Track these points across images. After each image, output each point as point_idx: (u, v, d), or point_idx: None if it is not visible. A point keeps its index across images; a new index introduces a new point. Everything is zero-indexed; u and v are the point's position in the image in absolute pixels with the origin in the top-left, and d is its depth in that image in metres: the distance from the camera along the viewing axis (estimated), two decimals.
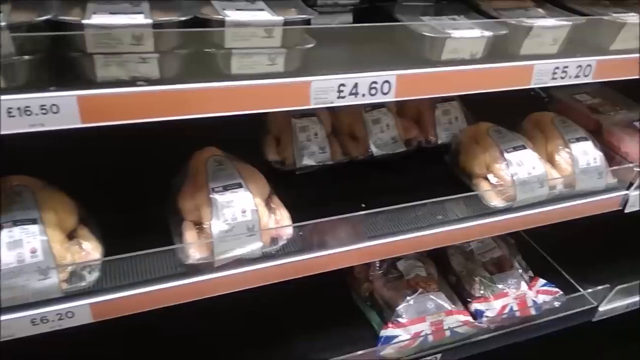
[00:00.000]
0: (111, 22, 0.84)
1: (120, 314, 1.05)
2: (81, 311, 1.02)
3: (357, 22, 1.23)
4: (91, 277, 1.03)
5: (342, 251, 1.21)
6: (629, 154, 1.53)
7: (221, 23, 0.90)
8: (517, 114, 1.64)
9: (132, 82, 0.91)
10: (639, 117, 1.65)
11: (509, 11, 1.27)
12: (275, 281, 1.17)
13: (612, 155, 1.57)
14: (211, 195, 1.10)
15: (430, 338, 1.42)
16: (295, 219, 1.20)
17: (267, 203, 1.20)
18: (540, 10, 1.30)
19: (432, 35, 1.09)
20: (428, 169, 1.54)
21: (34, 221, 1.00)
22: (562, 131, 1.47)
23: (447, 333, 1.43)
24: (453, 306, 1.47)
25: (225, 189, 1.13)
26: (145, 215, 1.22)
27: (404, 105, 1.68)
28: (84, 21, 0.83)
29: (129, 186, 1.31)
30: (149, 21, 0.86)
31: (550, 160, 1.46)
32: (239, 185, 1.14)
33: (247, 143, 1.47)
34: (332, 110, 1.57)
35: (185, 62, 0.96)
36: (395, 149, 1.52)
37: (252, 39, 0.93)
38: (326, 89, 1.03)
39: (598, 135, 1.61)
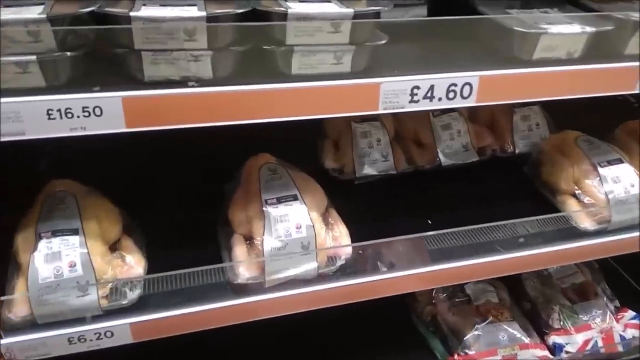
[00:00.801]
0: (161, 15, 0.74)
1: (162, 335, 0.96)
2: (121, 331, 0.94)
3: (432, 15, 1.09)
4: (133, 295, 0.95)
5: (405, 275, 1.07)
6: None
7: (283, 16, 0.78)
8: (604, 121, 1.45)
9: (183, 83, 0.81)
10: None
11: (611, 4, 1.09)
12: (330, 305, 1.05)
13: None
14: (264, 208, 0.99)
15: None
16: (352, 234, 1.08)
17: (325, 217, 1.08)
18: None
19: (523, 30, 0.94)
20: (504, 181, 1.38)
21: (75, 232, 0.92)
22: None
23: None
24: (529, 338, 1.30)
25: (279, 201, 1.01)
26: (194, 225, 1.13)
27: (477, 109, 1.51)
28: (132, 13, 0.74)
29: (178, 192, 1.23)
30: (203, 14, 0.75)
31: None
32: (294, 198, 1.02)
33: (304, 147, 1.36)
34: (395, 113, 1.43)
35: (240, 60, 0.85)
36: (466, 159, 1.37)
37: (317, 34, 0.82)
38: (397, 92, 0.90)
39: None
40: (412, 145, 1.41)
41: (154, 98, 0.78)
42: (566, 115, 1.51)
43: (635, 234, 1.19)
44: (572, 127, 1.38)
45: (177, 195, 1.22)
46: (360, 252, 1.09)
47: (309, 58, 0.84)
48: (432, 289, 1.41)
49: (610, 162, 1.19)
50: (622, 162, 1.20)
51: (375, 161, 1.31)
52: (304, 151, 1.35)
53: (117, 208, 1.03)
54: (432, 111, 1.39)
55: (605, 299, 1.44)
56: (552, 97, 1.00)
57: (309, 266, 1.00)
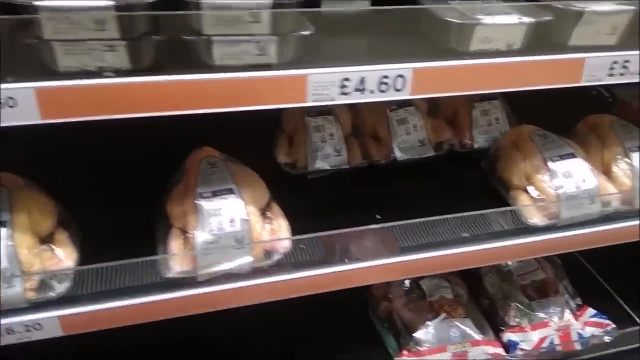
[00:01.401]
0: (67, 4, 0.73)
1: (92, 328, 0.96)
2: (49, 323, 0.93)
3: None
4: (61, 287, 0.94)
5: (346, 270, 1.06)
6: None
7: (197, 5, 0.77)
8: (575, 117, 1.42)
9: (99, 73, 0.80)
10: None
11: None
12: (270, 300, 1.04)
13: None
14: (196, 201, 0.98)
15: None
16: (300, 229, 1.06)
17: (265, 212, 1.07)
18: None
19: (457, 21, 0.92)
20: (461, 176, 1.36)
21: (2, 224, 0.91)
22: (622, 137, 1.24)
23: None
24: (481, 335, 1.29)
25: (215, 194, 1.00)
26: (135, 219, 1.12)
27: (438, 103, 1.49)
28: (37, 3, 0.73)
29: (122, 186, 1.22)
30: (111, 3, 0.74)
31: (607, 171, 1.24)
32: (230, 191, 1.01)
33: (266, 142, 1.35)
34: (354, 108, 1.42)
35: (162, 50, 0.84)
36: (422, 153, 1.35)
37: (236, 24, 0.80)
38: (326, 84, 0.88)
39: None
40: (369, 140, 1.39)
41: (68, 89, 0.77)
42: (534, 110, 1.49)
43: (587, 230, 1.17)
44: (539, 123, 1.35)
45: (121, 189, 1.20)
46: (303, 246, 1.08)
47: (231, 48, 0.82)
48: (389, 285, 1.40)
49: (562, 157, 1.17)
50: (574, 156, 1.18)
51: (327, 155, 1.30)
52: (267, 145, 1.35)
53: (53, 201, 1.02)
54: (389, 106, 1.37)
55: (566, 296, 1.41)
56: (491, 90, 0.98)
57: (243, 260, 0.99)
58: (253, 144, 1.33)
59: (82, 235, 1.03)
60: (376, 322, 1.41)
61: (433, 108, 1.47)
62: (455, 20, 0.92)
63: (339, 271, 1.05)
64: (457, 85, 0.95)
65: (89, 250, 1.01)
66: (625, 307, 1.54)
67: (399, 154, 1.34)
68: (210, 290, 0.98)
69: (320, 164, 1.29)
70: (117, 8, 0.74)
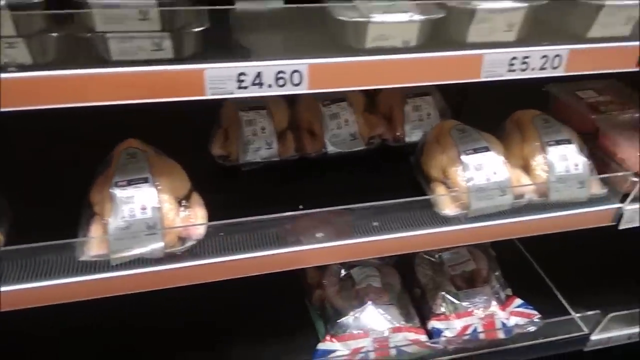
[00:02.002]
0: None
1: (6, 308, 1.02)
2: None
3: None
4: None
5: (257, 256, 1.11)
6: (626, 161, 1.32)
7: (83, 4, 0.83)
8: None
9: (3, 68, 0.86)
10: None
11: None
12: (183, 284, 1.10)
13: (607, 162, 1.36)
14: (111, 190, 1.04)
15: (372, 355, 1.29)
16: (223, 218, 1.12)
17: (183, 201, 1.12)
18: None
19: (348, 19, 0.97)
20: (390, 170, 1.40)
21: None
22: (541, 132, 1.28)
23: (393, 352, 1.29)
24: (403, 322, 1.33)
25: (130, 183, 1.06)
26: (64, 208, 1.18)
27: (376, 99, 1.54)
28: None
29: (54, 177, 1.28)
30: (2, 2, 0.80)
31: (526, 165, 1.28)
32: (145, 181, 1.07)
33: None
34: (291, 103, 1.47)
35: (64, 47, 0.90)
36: (352, 147, 1.40)
37: (126, 21, 0.86)
38: (223, 79, 0.93)
39: (595, 139, 1.41)
40: (305, 134, 1.45)
41: None
42: (479, 105, 1.54)
43: (501, 221, 1.21)
44: (477, 117, 1.38)
45: (54, 180, 1.27)
46: (222, 234, 1.14)
47: (126, 45, 0.88)
48: (324, 273, 1.45)
49: (476, 150, 1.21)
50: (488, 150, 1.22)
51: (258, 148, 1.35)
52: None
53: None
54: (323, 101, 1.42)
55: (496, 287, 1.45)
56: (387, 85, 1.03)
57: (154, 246, 1.05)
58: (195, 139, 1.40)
59: (13, 223, 1.10)
60: (311, 310, 1.46)
61: (370, 104, 1.52)
62: (346, 19, 0.96)
63: (249, 257, 1.11)
64: (353, 80, 0.99)
65: (17, 236, 1.07)
66: (560, 297, 1.58)
67: (330, 148, 1.39)
68: (123, 273, 1.04)
69: (251, 157, 1.34)
70: (11, 7, 0.80)
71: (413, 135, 1.45)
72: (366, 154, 1.42)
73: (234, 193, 1.29)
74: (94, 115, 0.98)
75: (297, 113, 1.47)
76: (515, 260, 1.68)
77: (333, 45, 1.03)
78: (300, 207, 1.24)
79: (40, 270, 1.03)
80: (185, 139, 1.40)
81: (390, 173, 1.39)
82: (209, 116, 1.44)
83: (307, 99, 1.46)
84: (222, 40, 1.01)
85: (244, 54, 0.97)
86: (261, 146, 1.36)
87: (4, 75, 0.84)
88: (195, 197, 1.15)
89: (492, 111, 1.48)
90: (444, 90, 1.55)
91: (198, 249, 1.10)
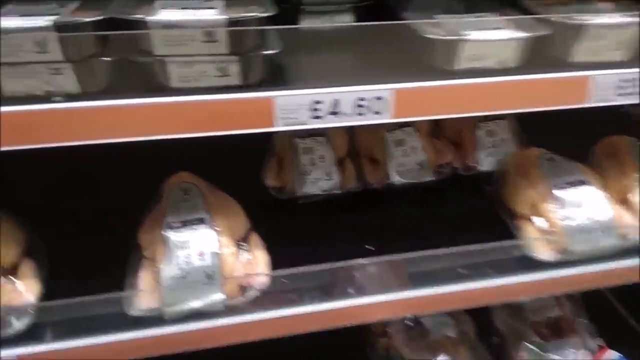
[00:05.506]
0: (5, 25, 0.69)
1: None
2: None
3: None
4: (19, 324, 0.88)
5: (330, 309, 0.97)
6: None
7: (143, 24, 0.71)
8: (597, 138, 1.30)
9: (47, 98, 0.75)
10: None
11: (561, 6, 0.96)
12: (244, 341, 0.96)
13: None
14: (163, 232, 0.92)
15: None
16: (285, 259, 0.99)
17: (242, 243, 0.99)
18: (608, 4, 0.99)
19: (440, 37, 0.83)
20: (463, 203, 1.25)
21: None
22: None
23: None
24: None
25: (184, 224, 0.94)
26: (109, 247, 1.06)
27: (442, 123, 1.40)
28: None
29: (98, 211, 1.17)
30: (50, 23, 0.69)
31: (623, 199, 1.12)
32: (201, 221, 0.94)
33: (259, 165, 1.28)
34: (350, 128, 1.34)
35: (116, 73, 0.79)
36: (420, 177, 1.26)
37: (190, 43, 0.74)
38: (295, 108, 0.81)
39: None
40: (366, 162, 1.31)
41: (14, 114, 0.73)
42: (549, 129, 1.38)
43: (601, 266, 1.05)
44: (552, 144, 1.23)
45: (97, 214, 1.16)
46: (285, 280, 1.01)
47: (187, 70, 0.76)
48: (387, 321, 1.30)
49: (571, 184, 1.06)
50: (584, 183, 1.06)
51: (317, 180, 1.22)
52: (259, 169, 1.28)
53: (21, 228, 0.98)
54: (386, 126, 1.29)
55: (584, 336, 1.28)
56: (482, 112, 0.88)
57: (214, 298, 0.91)
58: (245, 167, 1.27)
59: (51, 263, 0.99)
60: None
61: (435, 128, 1.38)
62: (437, 37, 0.83)
63: (322, 310, 0.97)
64: (444, 107, 0.86)
65: (57, 280, 0.96)
66: None
67: (395, 178, 1.25)
68: (179, 329, 0.91)
69: (310, 189, 1.21)
70: (58, 28, 0.69)
71: (486, 163, 1.30)
72: (435, 184, 1.27)
73: (291, 229, 1.16)
74: (130, 145, 0.86)
75: (355, 139, 1.33)
76: (596, 303, 1.50)
77: (415, 67, 0.90)
78: (369, 247, 1.10)
79: (84, 326, 0.91)
80: (232, 168, 1.27)
81: (464, 206, 1.24)
82: (258, 142, 1.31)
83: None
84: (288, 63, 0.89)
85: (315, 79, 0.85)
86: (320, 177, 1.22)
87: (48, 106, 0.73)
88: (254, 238, 1.02)
89: (563, 136, 1.32)
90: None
91: (261, 300, 0.97)
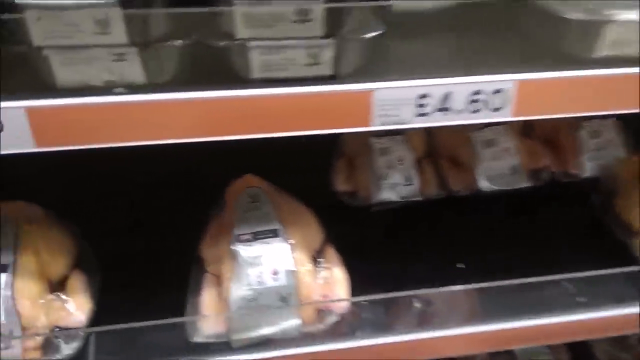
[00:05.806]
0: (61, 1, 0.56)
1: None
2: None
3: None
4: (68, 349, 0.78)
5: (420, 339, 0.83)
6: None
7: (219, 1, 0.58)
8: None
9: (107, 89, 0.63)
10: None
11: None
12: None
13: None
14: (232, 247, 0.79)
15: None
16: (360, 275, 0.85)
17: (317, 257, 0.86)
18: None
19: (578, 18, 0.67)
20: (564, 214, 1.08)
21: (3, 268, 0.77)
22: None
23: None
24: None
25: (255, 237, 0.81)
26: (167, 260, 0.94)
27: (534, 121, 1.23)
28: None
29: (155, 220, 1.05)
30: None
31: None
32: (274, 233, 0.81)
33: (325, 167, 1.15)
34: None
35: (186, 60, 0.66)
36: (514, 184, 1.09)
37: (277, 24, 0.60)
38: (397, 103, 0.66)
39: None
40: (447, 165, 1.15)
41: (67, 109, 0.61)
42: None
43: None
44: None
45: (154, 223, 1.04)
46: (366, 302, 0.87)
47: (272, 57, 0.63)
48: None
49: None
50: None
51: (395, 185, 1.07)
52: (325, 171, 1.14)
53: (72, 238, 0.87)
54: (473, 124, 1.13)
55: None
56: (624, 110, 0.72)
57: (289, 323, 0.79)
58: (305, 169, 1.13)
59: (103, 276, 0.88)
60: None
61: (526, 126, 1.21)
62: (573, 17, 0.67)
63: (411, 340, 0.83)
64: (577, 103, 0.70)
65: (110, 295, 0.85)
66: None
67: (484, 184, 1.09)
68: (248, 359, 0.79)
69: (387, 195, 1.07)
70: (123, 3, 0.56)
71: (590, 169, 1.13)
72: (531, 192, 1.11)
73: (367, 241, 1.02)
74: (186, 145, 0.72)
75: (435, 137, 1.18)
76: None
77: (541, 54, 0.74)
78: (460, 265, 0.96)
79: (139, 353, 0.79)
80: (292, 169, 1.13)
81: (567, 218, 1.07)
82: (325, 140, 1.17)
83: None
84: (385, 49, 0.75)
85: (419, 69, 0.70)
86: (399, 181, 1.08)
87: (107, 99, 0.61)
88: (331, 252, 0.88)
89: None
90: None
91: (340, 325, 0.83)
